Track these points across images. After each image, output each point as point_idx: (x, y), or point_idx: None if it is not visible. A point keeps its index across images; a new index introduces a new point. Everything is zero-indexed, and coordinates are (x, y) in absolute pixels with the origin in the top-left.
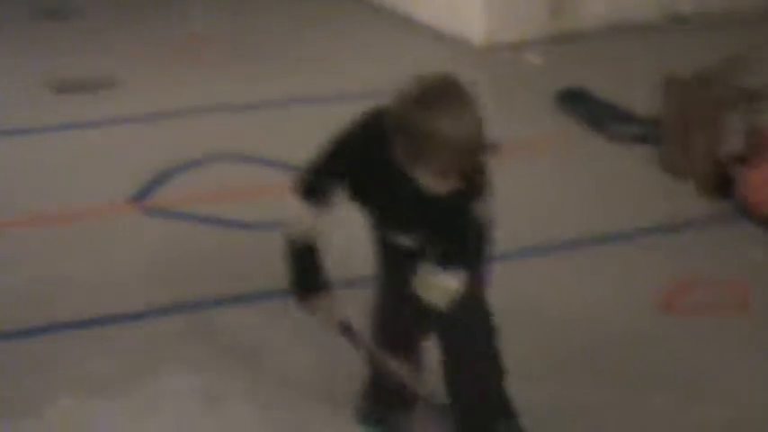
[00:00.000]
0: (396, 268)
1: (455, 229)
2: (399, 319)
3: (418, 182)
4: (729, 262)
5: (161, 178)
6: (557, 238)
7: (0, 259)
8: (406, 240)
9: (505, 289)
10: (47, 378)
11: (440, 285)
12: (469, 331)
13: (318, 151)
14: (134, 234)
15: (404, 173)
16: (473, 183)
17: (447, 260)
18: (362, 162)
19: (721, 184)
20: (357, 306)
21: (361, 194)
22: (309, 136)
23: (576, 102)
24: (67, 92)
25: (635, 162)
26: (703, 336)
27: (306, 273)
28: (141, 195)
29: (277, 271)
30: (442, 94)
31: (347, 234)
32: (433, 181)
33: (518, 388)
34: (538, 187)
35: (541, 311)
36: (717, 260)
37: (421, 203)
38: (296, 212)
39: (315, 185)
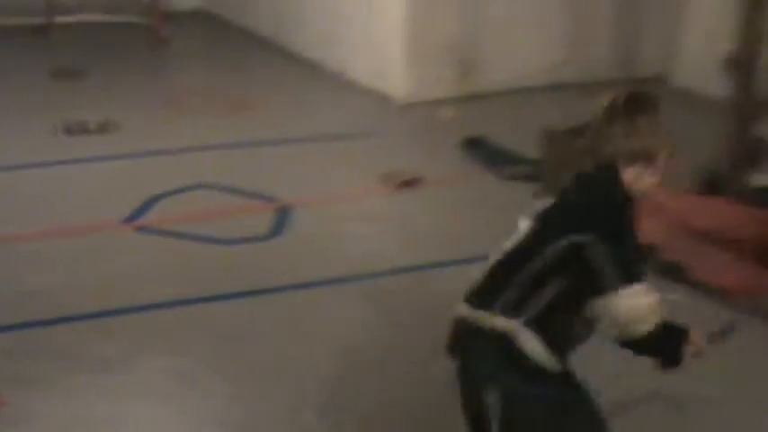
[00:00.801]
0: None
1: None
2: None
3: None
4: None
5: (149, 203)
6: (453, 256)
7: (10, 266)
8: None
9: (402, 300)
10: (65, 358)
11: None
12: None
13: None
14: (128, 247)
15: None
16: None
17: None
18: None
19: None
20: None
21: None
22: (263, 171)
23: (477, 147)
24: (76, 134)
25: (521, 196)
26: None
27: (678, 333)
28: (134, 216)
29: (243, 276)
30: (649, 107)
31: None
32: (654, 179)
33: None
34: (446, 214)
35: (442, 314)
36: None
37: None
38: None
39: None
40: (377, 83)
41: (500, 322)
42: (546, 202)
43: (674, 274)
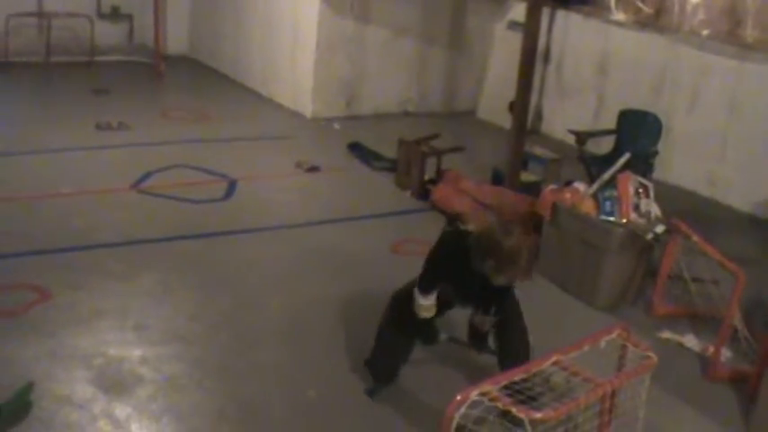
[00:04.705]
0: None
1: (502, 300)
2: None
3: (486, 277)
4: (426, 229)
5: (147, 176)
6: (341, 215)
7: (59, 212)
8: (463, 306)
9: (308, 242)
10: (91, 271)
11: (486, 321)
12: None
13: (424, 267)
14: (133, 203)
15: (474, 272)
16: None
17: (490, 311)
18: (449, 267)
19: (424, 193)
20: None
21: (447, 284)
22: (220, 157)
23: (356, 149)
24: (103, 130)
25: (383, 180)
26: (414, 265)
27: (432, 328)
28: (137, 183)
29: (205, 223)
30: (506, 229)
31: None
32: (500, 278)
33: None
34: (337, 189)
35: (334, 252)
36: (420, 229)
37: (484, 289)
38: (423, 302)
39: (428, 289)
40: (295, 105)
41: None
42: None
43: None
